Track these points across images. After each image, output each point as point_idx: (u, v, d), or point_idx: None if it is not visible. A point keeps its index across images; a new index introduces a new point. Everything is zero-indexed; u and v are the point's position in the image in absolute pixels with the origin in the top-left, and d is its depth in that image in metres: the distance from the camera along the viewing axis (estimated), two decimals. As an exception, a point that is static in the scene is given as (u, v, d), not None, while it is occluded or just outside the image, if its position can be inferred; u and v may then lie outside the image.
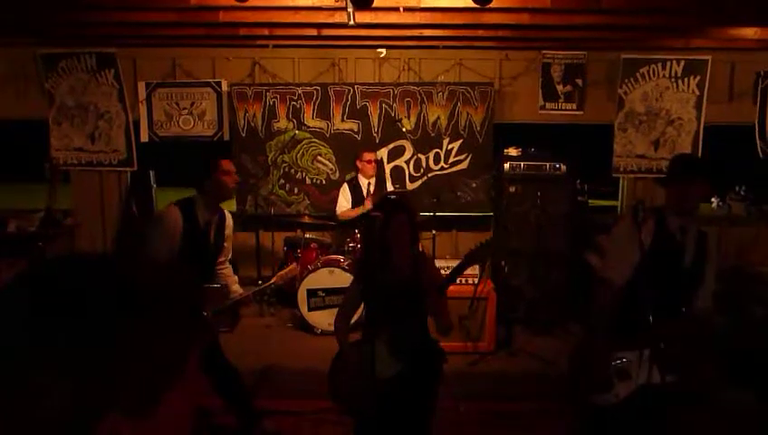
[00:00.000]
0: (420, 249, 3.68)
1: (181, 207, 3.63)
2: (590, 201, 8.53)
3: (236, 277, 4.09)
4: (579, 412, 3.33)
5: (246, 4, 4.24)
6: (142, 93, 7.02)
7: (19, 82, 7.06)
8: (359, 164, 6.45)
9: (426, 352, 3.16)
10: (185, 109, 7.06)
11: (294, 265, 4.12)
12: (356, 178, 6.51)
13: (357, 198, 6.39)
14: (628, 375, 2.92)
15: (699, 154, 6.95)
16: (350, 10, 4.42)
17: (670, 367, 2.85)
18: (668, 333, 2.83)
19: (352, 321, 3.43)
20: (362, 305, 3.32)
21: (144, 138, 7.11)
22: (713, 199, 9.23)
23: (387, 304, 3.10)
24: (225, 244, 3.91)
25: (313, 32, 5.90)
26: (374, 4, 4.17)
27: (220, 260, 3.93)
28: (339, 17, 4.92)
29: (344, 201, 6.47)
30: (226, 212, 3.94)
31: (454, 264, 5.65)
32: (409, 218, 3.14)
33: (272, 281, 3.92)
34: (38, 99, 7.03)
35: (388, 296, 3.09)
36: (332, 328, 3.46)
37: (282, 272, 3.90)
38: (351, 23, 4.67)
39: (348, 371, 3.15)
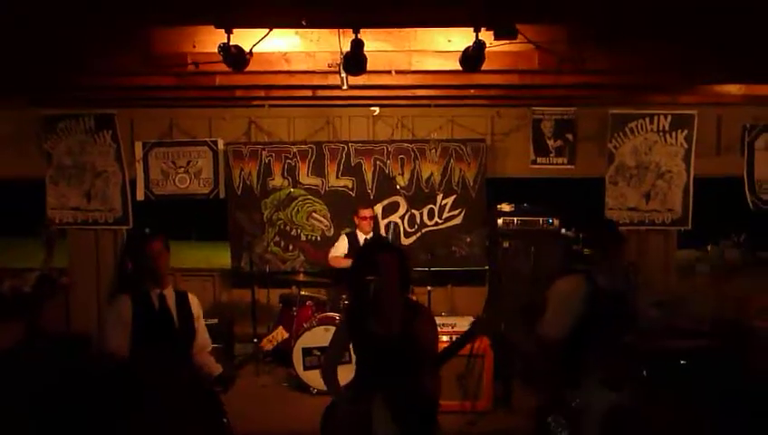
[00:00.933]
0: (416, 300, 3.59)
1: (132, 292, 3.61)
2: (585, 250, 8.54)
3: (220, 365, 3.97)
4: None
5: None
6: (139, 153, 7.11)
7: (19, 142, 7.16)
8: (356, 220, 6.51)
9: (422, 406, 3.06)
10: (181, 167, 7.15)
11: (281, 328, 4.10)
12: (354, 233, 6.55)
13: (353, 252, 6.42)
14: (587, 407, 3.41)
15: (690, 205, 7.06)
16: (343, 75, 4.52)
17: (617, 386, 3.44)
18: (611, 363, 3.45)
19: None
20: (350, 351, 3.25)
21: (140, 196, 7.17)
22: (708, 247, 9.25)
23: (379, 362, 3.02)
24: (196, 325, 3.79)
25: (308, 93, 6.04)
26: (367, 68, 4.28)
27: (200, 346, 3.82)
28: (333, 80, 5.02)
29: (341, 247, 6.51)
30: (190, 295, 3.86)
31: (450, 320, 5.67)
32: (399, 259, 3.06)
33: (260, 345, 3.91)
34: (37, 159, 7.12)
35: (380, 353, 3.02)
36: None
37: (269, 336, 3.87)
38: (345, 87, 4.78)
39: (342, 430, 3.07)
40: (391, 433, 2.96)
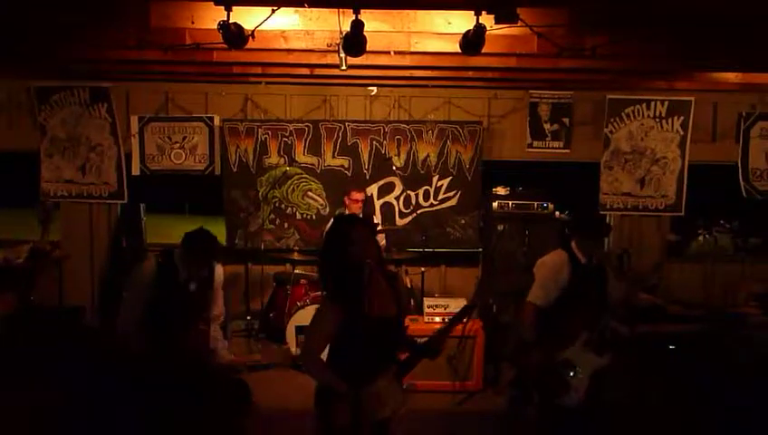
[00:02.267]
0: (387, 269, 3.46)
1: (159, 261, 3.59)
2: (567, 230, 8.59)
3: (227, 342, 4.00)
4: (544, 416, 3.93)
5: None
6: (135, 127, 7.06)
7: (12, 113, 7.11)
8: (346, 200, 6.51)
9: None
10: (176, 143, 7.11)
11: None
12: (343, 214, 6.55)
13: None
14: (572, 365, 3.67)
15: (684, 192, 7.10)
16: (342, 55, 4.49)
17: (602, 349, 3.75)
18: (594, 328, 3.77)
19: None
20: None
21: (135, 171, 7.13)
22: (699, 232, 9.27)
23: (382, 342, 2.89)
24: (214, 295, 3.79)
25: (306, 71, 6.00)
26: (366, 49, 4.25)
27: (213, 315, 3.82)
28: (331, 59, 5.00)
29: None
30: (218, 266, 3.83)
31: (442, 301, 5.70)
32: (371, 232, 3.02)
33: (271, 362, 4.01)
34: (30, 131, 7.07)
35: (382, 335, 2.87)
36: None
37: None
38: (344, 67, 4.74)
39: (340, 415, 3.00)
40: (399, 397, 2.95)
